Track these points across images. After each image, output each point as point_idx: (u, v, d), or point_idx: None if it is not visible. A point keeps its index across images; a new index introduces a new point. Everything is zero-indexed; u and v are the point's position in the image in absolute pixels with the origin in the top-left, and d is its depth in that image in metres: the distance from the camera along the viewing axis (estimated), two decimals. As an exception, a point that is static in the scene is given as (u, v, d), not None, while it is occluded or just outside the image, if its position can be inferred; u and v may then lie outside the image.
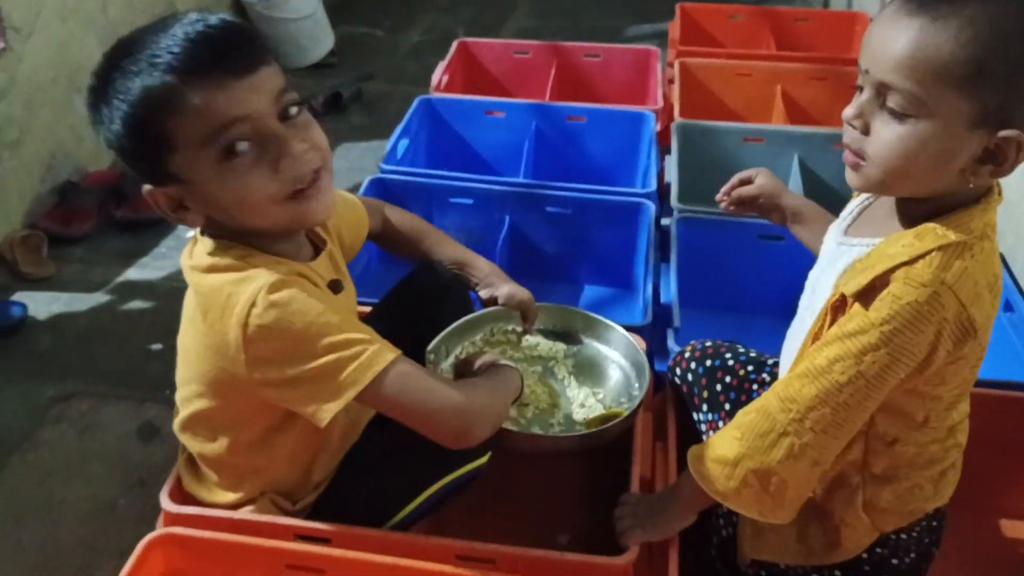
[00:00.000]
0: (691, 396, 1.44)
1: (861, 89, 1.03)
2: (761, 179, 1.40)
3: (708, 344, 1.46)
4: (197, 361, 1.15)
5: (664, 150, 2.34)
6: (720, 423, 1.39)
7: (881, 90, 0.99)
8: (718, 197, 1.43)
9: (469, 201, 2.07)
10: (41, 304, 2.13)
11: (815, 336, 1.10)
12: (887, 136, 0.99)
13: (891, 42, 0.97)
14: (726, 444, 1.12)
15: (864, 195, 1.19)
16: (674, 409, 1.47)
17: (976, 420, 1.23)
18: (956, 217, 1.02)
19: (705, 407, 1.41)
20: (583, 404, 1.46)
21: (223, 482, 1.25)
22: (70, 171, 2.54)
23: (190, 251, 1.14)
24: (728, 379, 1.40)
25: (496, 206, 2.07)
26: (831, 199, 1.52)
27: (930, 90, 0.95)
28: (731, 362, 1.41)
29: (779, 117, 2.57)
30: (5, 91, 2.27)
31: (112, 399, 1.85)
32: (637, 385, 1.46)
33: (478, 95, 2.58)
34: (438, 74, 2.62)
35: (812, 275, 1.20)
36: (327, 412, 1.07)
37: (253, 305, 1.04)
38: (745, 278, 1.93)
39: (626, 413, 1.38)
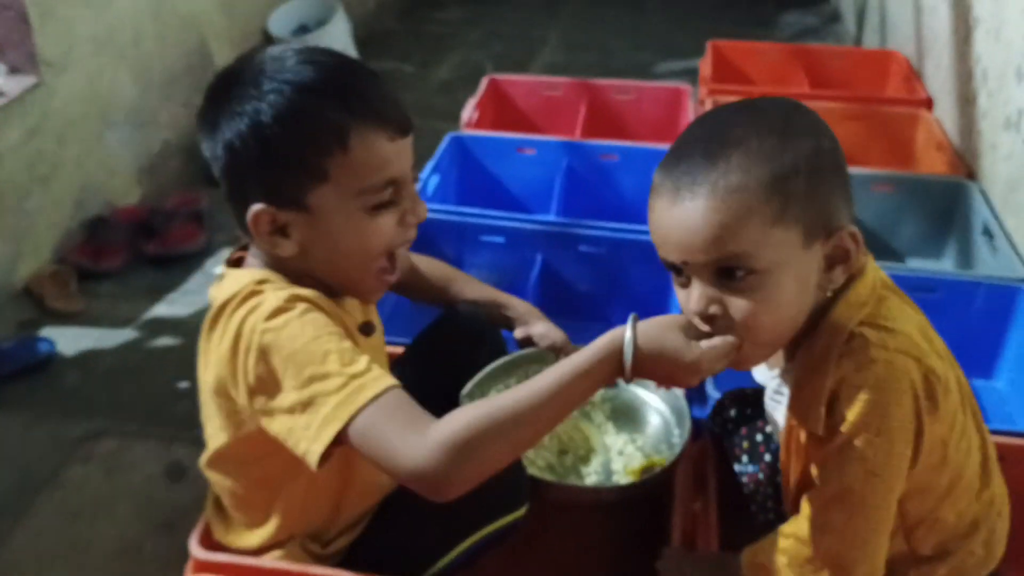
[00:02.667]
0: (731, 446, 1.40)
1: (681, 280, 1.01)
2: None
3: (748, 391, 1.42)
4: (211, 395, 1.12)
5: (697, 188, 2.30)
6: (760, 475, 1.34)
7: (706, 269, 0.97)
8: None
9: (501, 239, 2.05)
10: (69, 340, 2.12)
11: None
12: (744, 309, 0.97)
13: (691, 225, 0.95)
14: (774, 559, 1.10)
15: None
16: (714, 459, 1.43)
17: (1016, 472, 1.21)
18: (843, 304, 1.01)
19: (745, 458, 1.37)
20: (621, 452, 1.42)
21: (248, 522, 1.22)
22: (100, 206, 2.54)
23: (219, 285, 1.12)
24: (769, 428, 1.36)
25: (528, 244, 2.04)
26: (871, 241, 1.49)
27: (755, 241, 0.94)
28: (771, 407, 1.38)
29: (813, 155, 2.53)
30: (37, 126, 2.28)
31: (140, 438, 1.83)
32: (677, 432, 1.43)
33: (508, 131, 2.56)
34: (468, 110, 2.61)
35: (767, 403, 1.23)
36: (313, 454, 0.97)
37: (252, 331, 1.02)
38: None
39: (666, 463, 1.34)
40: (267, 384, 1.01)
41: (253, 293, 1.05)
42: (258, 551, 1.23)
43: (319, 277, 1.11)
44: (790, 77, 3.03)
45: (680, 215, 0.96)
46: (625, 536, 1.52)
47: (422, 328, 1.52)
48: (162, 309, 2.27)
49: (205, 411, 1.16)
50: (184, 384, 1.98)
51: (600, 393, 1.52)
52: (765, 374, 1.17)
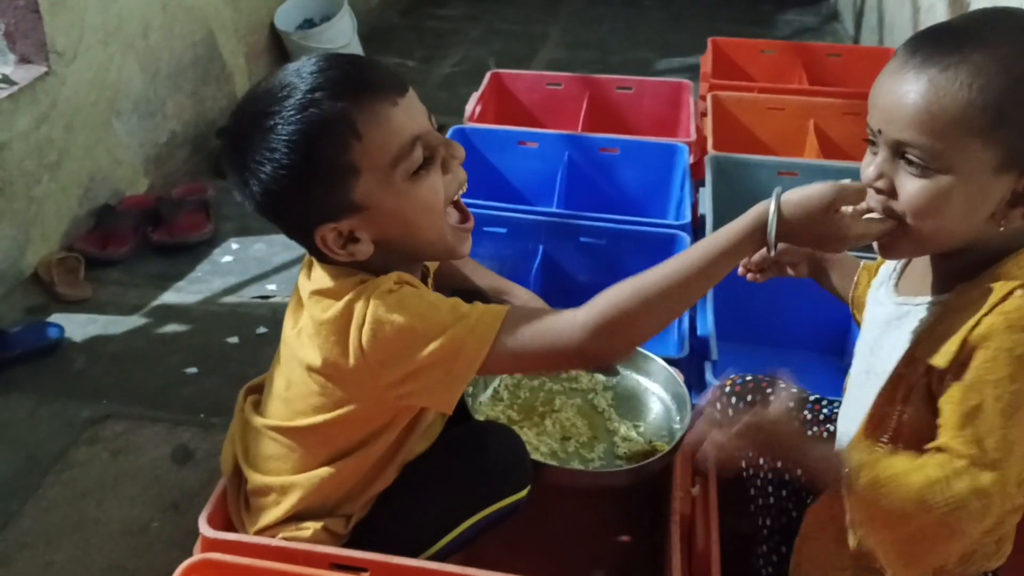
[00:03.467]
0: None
1: (874, 148, 1.01)
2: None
3: (748, 378, 1.45)
4: (303, 385, 1.15)
5: (697, 183, 2.34)
6: (760, 460, 1.37)
7: (898, 148, 0.98)
8: (740, 273, 1.35)
9: (503, 230, 2.07)
10: (77, 326, 2.15)
11: (889, 399, 1.07)
12: (913, 192, 0.97)
13: (902, 99, 0.96)
14: (901, 490, 0.98)
15: None
16: (712, 444, 1.45)
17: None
18: (1008, 263, 1.00)
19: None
20: (625, 438, 1.45)
21: (280, 492, 1.23)
22: (107, 194, 2.57)
23: (308, 274, 1.16)
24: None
25: (530, 236, 2.07)
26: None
27: (950, 142, 0.94)
28: (772, 396, 1.39)
29: (812, 151, 2.57)
30: (46, 114, 2.31)
31: (146, 421, 1.86)
32: (678, 418, 1.46)
33: (511, 126, 2.59)
34: (471, 104, 2.63)
35: (867, 335, 1.16)
36: (456, 392, 1.08)
37: (368, 307, 1.06)
38: (783, 311, 1.92)
39: (668, 449, 1.37)
40: (397, 347, 1.06)
41: (361, 282, 1.10)
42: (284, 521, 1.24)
43: (408, 258, 1.15)
44: (789, 74, 3.06)
45: (897, 84, 0.97)
46: (625, 521, 1.55)
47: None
48: (169, 297, 2.29)
49: (293, 391, 1.18)
50: (191, 370, 2.01)
51: (602, 380, 1.55)
52: (888, 296, 1.13)
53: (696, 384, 1.62)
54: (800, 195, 1.06)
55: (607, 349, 1.07)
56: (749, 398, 1.41)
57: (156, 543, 1.59)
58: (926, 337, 1.03)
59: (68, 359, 2.06)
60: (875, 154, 1.02)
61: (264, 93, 1.08)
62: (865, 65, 3.08)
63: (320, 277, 1.14)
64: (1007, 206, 0.98)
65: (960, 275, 1.03)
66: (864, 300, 1.28)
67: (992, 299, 0.97)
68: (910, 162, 0.97)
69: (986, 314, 0.97)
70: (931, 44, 0.97)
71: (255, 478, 1.24)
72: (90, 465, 1.76)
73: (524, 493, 1.26)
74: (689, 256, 1.08)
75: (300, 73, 1.07)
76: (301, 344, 1.15)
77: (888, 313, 1.13)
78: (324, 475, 1.20)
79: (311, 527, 1.22)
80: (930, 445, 0.99)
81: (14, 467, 1.75)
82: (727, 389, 1.45)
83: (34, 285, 2.29)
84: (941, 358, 0.99)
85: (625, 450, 1.43)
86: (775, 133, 2.66)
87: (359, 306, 1.07)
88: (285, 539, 1.22)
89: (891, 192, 1.00)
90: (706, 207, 2.12)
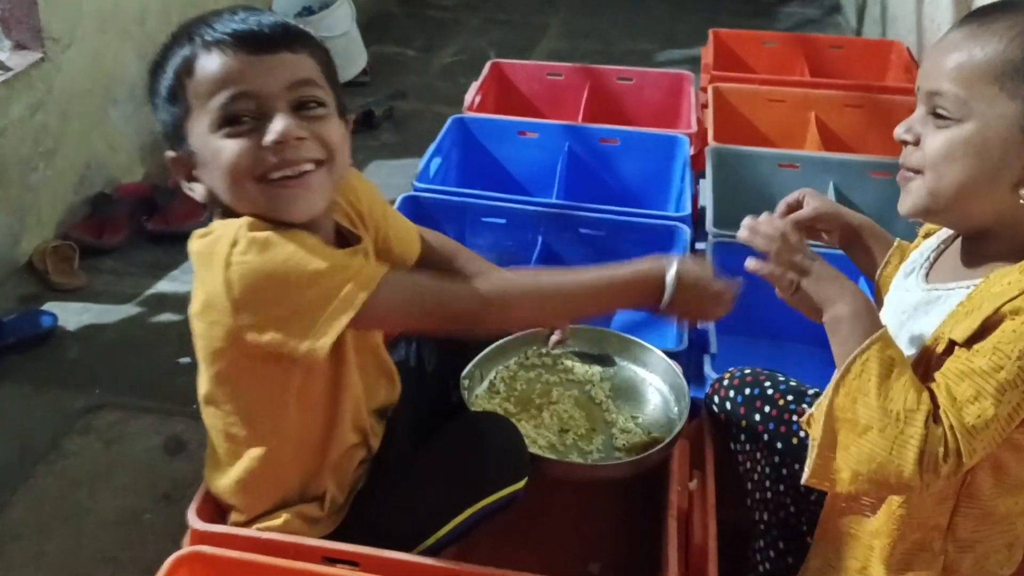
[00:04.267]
0: (729, 425, 1.41)
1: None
2: (813, 200, 1.27)
3: (747, 372, 1.43)
4: (201, 331, 1.12)
5: (698, 175, 2.32)
6: (758, 455, 1.36)
7: (931, 101, 1.02)
8: (741, 236, 1.24)
9: (502, 221, 2.06)
10: (71, 314, 2.13)
11: None
12: (934, 143, 1.01)
13: (942, 54, 1.01)
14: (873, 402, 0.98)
15: (937, 238, 1.16)
16: (711, 438, 1.44)
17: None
18: None
19: (743, 437, 1.38)
20: (623, 429, 1.43)
21: (239, 474, 1.21)
22: (103, 182, 2.55)
23: (199, 230, 1.13)
24: (768, 408, 1.37)
25: (529, 226, 2.05)
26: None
27: (974, 90, 0.98)
28: (771, 391, 1.38)
29: (813, 143, 2.55)
30: (42, 101, 2.29)
31: (140, 411, 1.84)
32: (676, 410, 1.44)
33: (510, 116, 2.57)
34: (471, 94, 2.61)
35: (890, 322, 1.12)
36: (326, 341, 1.04)
37: (235, 244, 1.04)
38: (782, 304, 1.90)
39: (667, 440, 1.35)
40: (265, 292, 1.04)
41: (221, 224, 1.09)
42: (255, 518, 1.24)
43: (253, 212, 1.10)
44: (791, 66, 3.04)
45: (941, 43, 1.03)
46: (622, 515, 1.53)
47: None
48: (163, 285, 2.27)
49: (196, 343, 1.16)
50: (185, 360, 1.99)
51: (600, 371, 1.53)
52: (917, 284, 1.12)
53: (695, 377, 1.60)
54: (695, 274, 1.15)
55: (493, 320, 1.15)
56: (748, 391, 1.40)
57: (148, 534, 1.58)
58: (953, 316, 1.03)
59: (62, 348, 2.04)
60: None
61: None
62: (867, 57, 3.07)
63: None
64: None
65: (995, 258, 1.04)
66: (887, 279, 1.27)
67: (1019, 278, 0.97)
68: (938, 115, 1.01)
69: (1015, 297, 0.95)
70: (980, 11, 1.02)
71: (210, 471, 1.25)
72: (83, 455, 1.75)
73: (521, 484, 1.24)
74: (586, 276, 1.17)
75: (227, 11, 1.11)
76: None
77: (917, 299, 1.11)
78: (256, 455, 1.19)
79: (282, 515, 1.21)
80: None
81: (6, 456, 1.74)
82: (725, 382, 1.43)
83: (28, 274, 2.28)
84: (960, 332, 0.98)
85: (624, 442, 1.41)
86: (776, 125, 2.64)
87: (226, 243, 1.04)
88: (259, 530, 1.20)
89: (916, 142, 1.03)
90: (706, 199, 2.11)
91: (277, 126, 1.05)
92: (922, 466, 0.95)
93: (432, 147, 2.26)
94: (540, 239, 2.04)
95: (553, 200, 2.16)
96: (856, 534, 1.14)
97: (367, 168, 2.87)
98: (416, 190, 2.08)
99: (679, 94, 2.79)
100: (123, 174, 2.64)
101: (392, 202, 2.03)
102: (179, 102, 1.08)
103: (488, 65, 2.79)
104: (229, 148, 1.05)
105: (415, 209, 2.01)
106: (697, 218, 2.13)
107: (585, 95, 2.73)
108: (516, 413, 1.44)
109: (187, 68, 1.07)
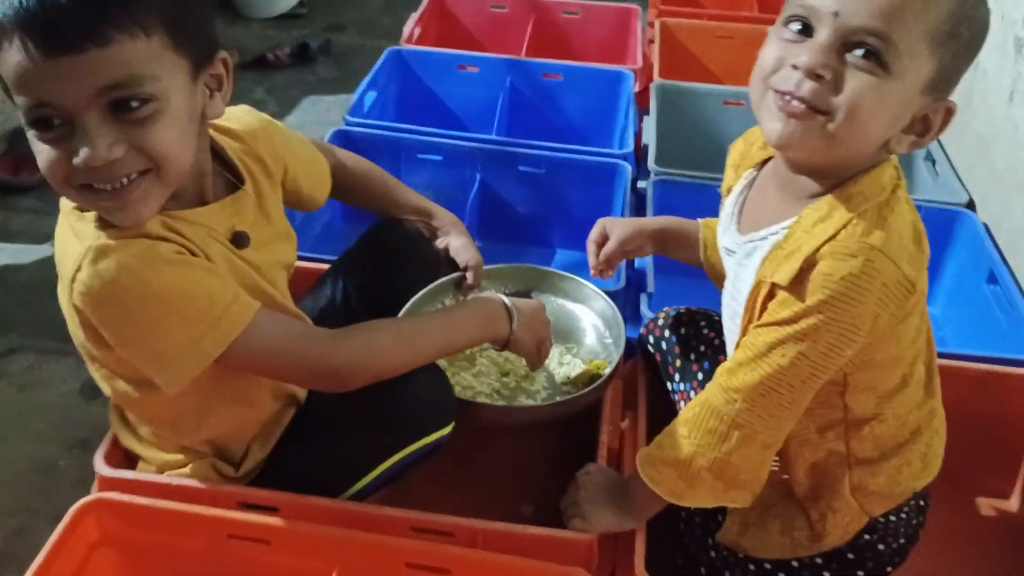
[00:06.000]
0: (664, 365, 1.38)
1: (803, 31, 0.93)
2: (614, 229, 1.37)
3: (682, 311, 1.40)
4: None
5: (642, 111, 2.26)
6: (692, 393, 1.33)
7: (856, 37, 0.90)
8: (592, 275, 1.42)
9: (438, 157, 1.99)
10: (-16, 254, 2.03)
11: (745, 331, 1.05)
12: (863, 91, 0.91)
13: None
14: (675, 444, 1.07)
15: (738, 192, 1.14)
16: (645, 377, 1.41)
17: (955, 395, 1.20)
18: (864, 179, 0.97)
19: (678, 376, 1.35)
20: (560, 363, 1.40)
21: (146, 433, 1.19)
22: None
23: None
24: (703, 348, 1.34)
25: (467, 163, 1.99)
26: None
27: (909, 42, 0.90)
28: (705, 330, 1.35)
29: (761, 81, 2.50)
30: (-50, 28, 2.15)
31: (56, 355, 1.76)
32: (610, 338, 1.44)
33: (451, 49, 2.48)
34: (410, 26, 2.53)
35: (727, 286, 1.14)
36: (175, 382, 1.02)
37: (79, 269, 0.96)
38: (720, 243, 1.87)
39: (608, 367, 1.32)
40: (110, 322, 0.99)
41: (77, 215, 1.01)
42: (166, 467, 1.18)
43: None
44: (740, 2, 2.97)
45: None
46: (555, 456, 1.50)
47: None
48: (85, 225, 2.17)
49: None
50: (106, 301, 1.91)
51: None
52: (734, 240, 1.11)
53: (632, 317, 1.57)
54: (521, 300, 1.28)
55: (350, 378, 1.11)
56: (683, 331, 1.37)
57: (63, 481, 1.51)
58: (772, 259, 1.01)
59: (-25, 289, 1.94)
60: (796, 41, 0.93)
61: None
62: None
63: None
64: (902, 130, 0.96)
65: (810, 195, 1.01)
66: (716, 260, 1.27)
67: (837, 223, 0.95)
68: (865, 55, 0.90)
69: (830, 238, 0.94)
70: None
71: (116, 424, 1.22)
72: (-5, 400, 1.67)
73: (447, 430, 1.20)
74: (439, 321, 1.25)
75: None
76: None
77: (737, 256, 1.09)
78: (159, 429, 1.17)
79: (193, 464, 1.17)
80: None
81: (-87, 402, 1.66)
82: (660, 322, 1.40)
83: (-61, 211, 2.17)
84: (783, 276, 0.97)
85: (565, 374, 1.38)
86: (724, 62, 2.59)
87: (71, 262, 0.97)
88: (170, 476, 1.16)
89: (834, 85, 0.91)
90: (649, 136, 2.06)
91: (83, 150, 0.89)
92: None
93: (366, 80, 2.17)
94: (478, 177, 1.98)
95: (492, 136, 2.09)
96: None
97: (302, 103, 2.77)
98: (348, 124, 2.00)
99: (626, 29, 2.72)
100: (43, 108, 2.51)
101: (322, 138, 1.95)
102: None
103: (428, -3, 2.70)
104: (41, 156, 0.93)
105: (346, 145, 1.90)
106: (640, 156, 2.08)
107: (529, 29, 2.65)
108: (449, 365, 1.39)
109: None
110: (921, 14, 0.89)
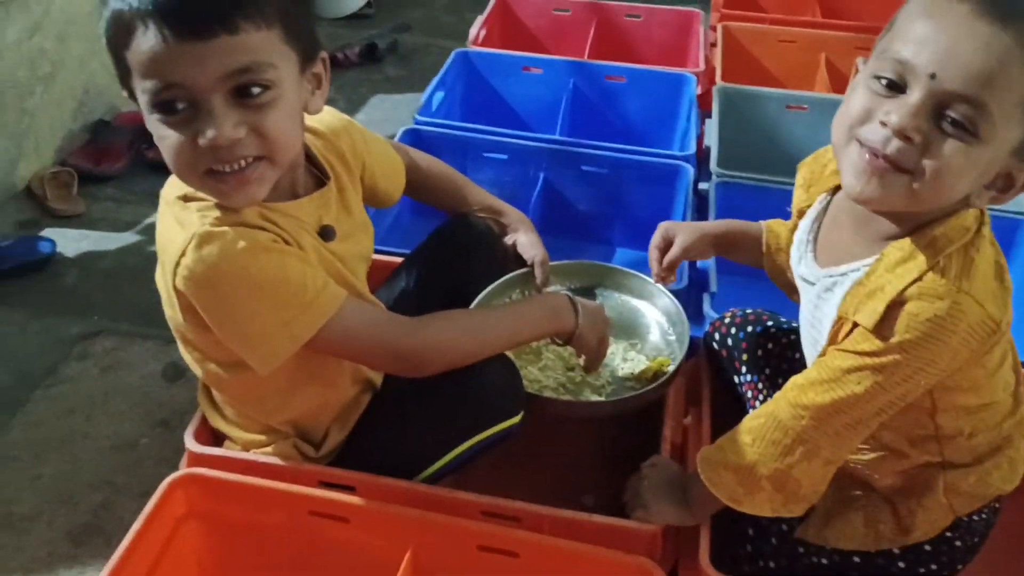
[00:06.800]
0: (731, 360, 1.40)
1: (895, 83, 0.92)
2: (677, 234, 1.39)
3: (749, 311, 1.43)
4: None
5: (704, 114, 2.29)
6: (760, 384, 1.36)
7: (947, 101, 0.89)
8: (655, 281, 1.45)
9: (504, 156, 2.03)
10: (69, 241, 2.12)
11: None
12: (952, 156, 0.90)
13: (979, 52, 0.87)
14: (738, 450, 1.10)
15: (812, 217, 1.15)
16: (708, 374, 1.44)
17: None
18: (948, 222, 0.98)
19: (745, 368, 1.38)
20: (625, 359, 1.43)
21: (232, 414, 1.25)
22: (103, 109, 2.52)
23: (170, 179, 1.11)
24: (770, 345, 1.37)
25: (531, 162, 2.03)
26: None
27: (1007, 111, 0.89)
28: (773, 329, 1.38)
29: (822, 85, 2.52)
30: (38, 23, 2.24)
31: (138, 338, 1.84)
32: (673, 335, 1.47)
33: (516, 51, 2.53)
34: (476, 28, 2.57)
35: (804, 311, 1.16)
36: (267, 363, 1.08)
37: (183, 255, 1.02)
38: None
39: (672, 363, 1.36)
40: (211, 306, 1.05)
41: (181, 206, 1.06)
42: (249, 445, 1.24)
43: None
44: (803, 5, 2.98)
45: (975, 35, 0.88)
46: (618, 449, 1.53)
47: (422, 239, 1.53)
48: (162, 215, 2.25)
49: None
50: (183, 288, 1.98)
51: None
52: (811, 271, 1.12)
53: (694, 316, 1.59)
54: (592, 311, 1.31)
55: (426, 362, 1.17)
56: (750, 329, 1.40)
57: (145, 459, 1.58)
58: (852, 296, 1.02)
59: (59, 274, 2.03)
60: (887, 96, 0.92)
61: None
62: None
63: (171, 179, 1.10)
64: (987, 184, 0.96)
65: (889, 236, 1.01)
66: (779, 264, 1.30)
67: (922, 265, 0.96)
68: (955, 122, 0.89)
69: (915, 280, 0.95)
70: (1013, 2, 0.90)
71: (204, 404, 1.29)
72: (80, 381, 1.75)
73: (517, 419, 1.25)
74: (509, 314, 1.29)
75: None
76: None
77: (817, 288, 1.11)
78: (244, 410, 1.23)
79: (276, 444, 1.23)
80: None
81: (4, 381, 1.74)
82: (727, 320, 1.43)
83: (26, 199, 2.26)
84: (867, 317, 0.97)
85: (629, 370, 1.41)
86: (785, 66, 2.60)
87: (175, 248, 1.03)
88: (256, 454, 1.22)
89: (923, 147, 0.91)
90: (711, 138, 2.08)
91: (209, 131, 0.96)
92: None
93: (435, 81, 2.22)
94: (542, 176, 2.02)
95: (556, 136, 2.13)
96: (854, 470, 1.16)
97: (370, 101, 2.83)
98: (417, 123, 2.05)
99: (688, 32, 2.74)
100: (123, 102, 2.59)
101: (393, 136, 2.00)
102: (120, 61, 0.99)
103: (493, -1, 2.75)
104: (167, 140, 0.99)
105: (416, 143, 1.97)
106: (702, 157, 2.11)
107: (592, 31, 2.68)
108: (515, 357, 1.43)
109: (121, 34, 0.96)
110: (1017, 81, 0.88)
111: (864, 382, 0.98)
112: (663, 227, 1.41)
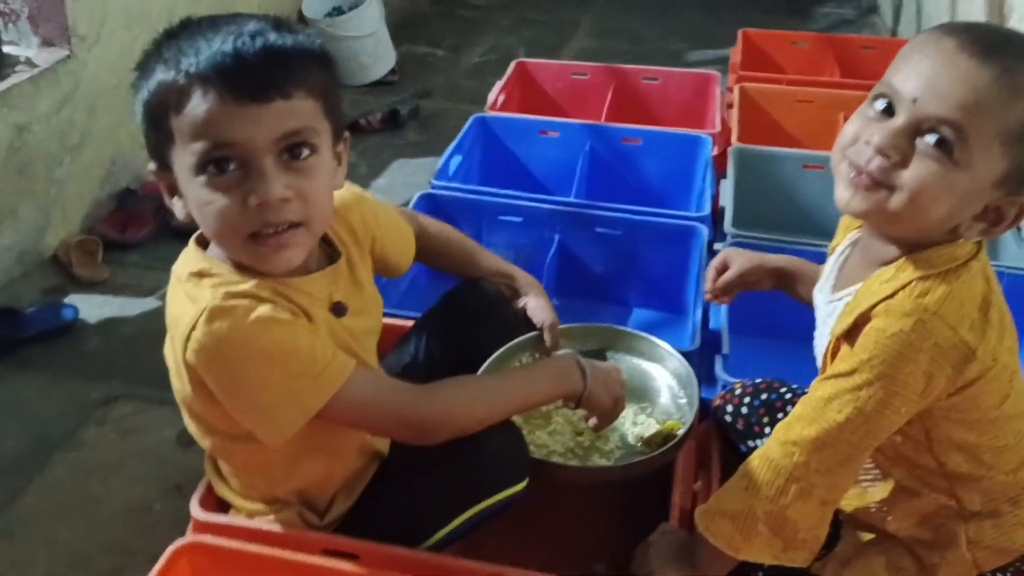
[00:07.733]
0: (749, 427, 1.39)
1: (887, 110, 1.01)
2: (736, 259, 1.41)
3: (759, 381, 1.43)
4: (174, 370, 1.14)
5: (720, 175, 2.30)
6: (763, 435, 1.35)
7: (926, 125, 0.97)
8: (707, 299, 1.47)
9: (518, 219, 2.05)
10: (93, 307, 2.16)
11: None
12: (926, 175, 0.97)
13: (958, 82, 0.96)
14: (732, 496, 1.11)
15: (839, 252, 1.19)
16: (718, 438, 1.42)
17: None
18: (939, 250, 1.02)
19: (768, 430, 1.36)
20: (635, 422, 1.42)
21: (237, 484, 1.26)
22: (129, 178, 2.58)
23: (182, 256, 1.14)
24: (789, 408, 1.35)
25: (545, 225, 2.05)
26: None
27: (982, 138, 0.95)
28: (788, 395, 1.38)
29: (841, 145, 2.51)
30: (68, 96, 2.32)
31: (155, 403, 1.86)
32: (684, 399, 1.46)
33: (534, 115, 2.56)
34: (494, 93, 2.61)
35: (815, 338, 1.20)
36: (279, 435, 1.10)
37: (193, 329, 1.04)
38: (797, 307, 1.87)
39: (682, 427, 1.34)
40: (220, 382, 1.07)
41: (194, 283, 1.08)
42: (254, 514, 1.24)
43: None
44: (821, 66, 3.00)
45: (954, 66, 0.96)
46: (627, 515, 1.51)
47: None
48: (184, 280, 2.29)
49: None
50: (202, 353, 2.00)
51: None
52: (823, 297, 1.18)
53: (706, 378, 1.59)
54: (602, 373, 1.31)
55: (435, 429, 1.17)
56: (764, 396, 1.39)
57: (158, 524, 1.59)
58: (840, 316, 1.08)
59: (82, 339, 2.06)
60: (877, 120, 1.01)
61: (186, 25, 1.05)
62: (900, 58, 3.01)
63: (183, 258, 1.13)
64: (973, 218, 1.01)
65: (887, 261, 1.06)
66: None
67: (896, 283, 1.01)
68: (936, 143, 0.96)
69: (886, 297, 1.01)
70: (997, 43, 0.98)
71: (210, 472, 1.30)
72: (98, 445, 1.77)
73: (522, 486, 1.24)
74: (517, 379, 1.31)
75: (214, 24, 1.03)
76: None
77: (822, 314, 1.16)
78: (249, 481, 1.24)
79: (283, 511, 1.23)
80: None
81: (24, 444, 1.76)
82: (737, 391, 1.43)
83: (53, 266, 2.31)
84: (839, 327, 1.04)
85: (639, 434, 1.40)
86: (803, 126, 2.61)
87: (186, 323, 1.04)
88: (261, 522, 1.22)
89: (902, 163, 0.98)
90: (726, 199, 2.08)
91: (261, 191, 1.00)
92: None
93: (452, 145, 2.26)
94: (556, 238, 2.04)
95: (570, 199, 2.15)
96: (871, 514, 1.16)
97: (391, 166, 2.88)
98: (433, 188, 2.08)
99: (705, 94, 2.76)
100: (148, 171, 2.66)
101: (408, 201, 2.03)
102: (162, 129, 1.02)
103: (513, 64, 2.79)
104: (213, 204, 1.02)
105: (432, 207, 2.01)
106: (717, 218, 2.11)
107: (610, 95, 2.71)
108: (524, 422, 1.43)
109: (170, 100, 1.00)
110: (999, 114, 0.95)
111: (844, 410, 1.02)
112: (724, 252, 1.45)
